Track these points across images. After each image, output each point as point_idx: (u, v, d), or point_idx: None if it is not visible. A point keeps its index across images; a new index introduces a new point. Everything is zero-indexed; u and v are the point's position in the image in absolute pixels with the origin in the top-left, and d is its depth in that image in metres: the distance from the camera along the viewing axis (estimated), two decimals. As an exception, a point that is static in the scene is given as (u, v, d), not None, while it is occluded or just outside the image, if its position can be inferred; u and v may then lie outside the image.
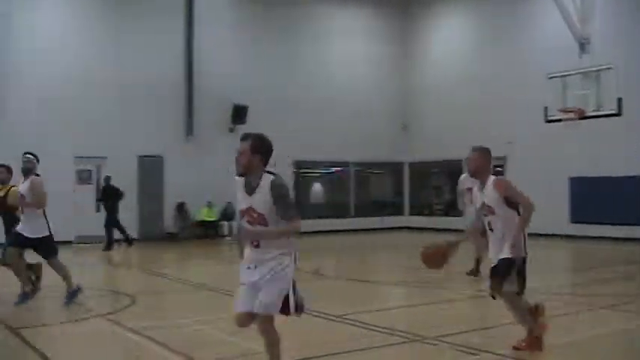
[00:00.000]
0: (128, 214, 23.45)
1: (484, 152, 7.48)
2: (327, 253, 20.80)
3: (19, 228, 10.22)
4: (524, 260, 7.20)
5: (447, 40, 28.33)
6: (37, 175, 10.54)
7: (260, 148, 5.79)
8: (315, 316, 9.13)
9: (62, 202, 22.02)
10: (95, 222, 22.49)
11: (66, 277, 10.51)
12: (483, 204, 7.34)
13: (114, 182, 21.27)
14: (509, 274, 7.12)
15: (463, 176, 13.15)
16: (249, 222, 5.76)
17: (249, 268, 5.74)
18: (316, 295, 11.35)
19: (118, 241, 21.13)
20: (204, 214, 24.83)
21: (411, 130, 29.21)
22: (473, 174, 7.51)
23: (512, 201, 7.18)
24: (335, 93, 27.73)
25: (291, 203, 5.74)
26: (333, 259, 19.58)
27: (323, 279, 14.27)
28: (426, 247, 7.48)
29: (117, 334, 8.70)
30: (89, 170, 23.58)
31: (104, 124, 23.14)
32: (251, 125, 25.16)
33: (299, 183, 27.25)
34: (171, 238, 24.11)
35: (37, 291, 10.76)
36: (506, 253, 7.11)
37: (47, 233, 10.30)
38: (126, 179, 23.27)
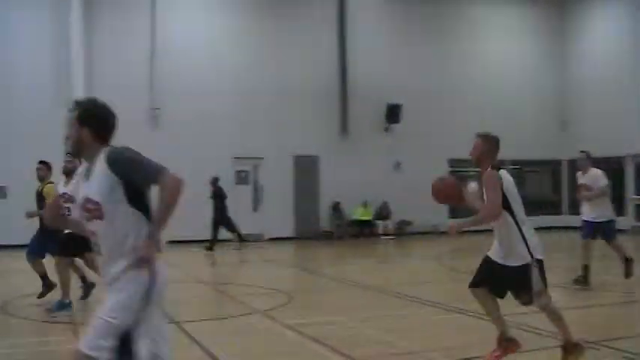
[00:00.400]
0: (284, 213, 24.06)
1: (488, 140, 6.80)
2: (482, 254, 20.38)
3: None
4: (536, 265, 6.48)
5: (605, 36, 27.12)
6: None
7: (90, 118, 4.51)
8: (471, 315, 8.98)
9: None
10: (252, 221, 23.23)
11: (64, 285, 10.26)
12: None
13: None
14: (530, 283, 6.44)
15: (579, 173, 12.48)
16: (86, 218, 4.33)
17: None
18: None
19: (222, 241, 21.01)
20: (360, 214, 24.96)
21: (569, 127, 28.22)
22: (474, 163, 6.84)
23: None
24: (489, 91, 27.23)
25: (149, 160, 4.50)
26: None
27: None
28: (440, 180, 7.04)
29: (274, 330, 8.88)
30: (246, 171, 24.28)
31: (261, 126, 23.78)
32: (405, 124, 25.16)
33: (455, 181, 26.93)
34: (326, 237, 24.41)
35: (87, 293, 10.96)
36: (512, 261, 6.56)
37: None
38: (282, 179, 23.88)
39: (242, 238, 21.25)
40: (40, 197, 10.93)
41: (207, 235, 20.83)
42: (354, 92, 25.08)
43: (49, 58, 22.21)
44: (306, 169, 24.66)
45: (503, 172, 6.62)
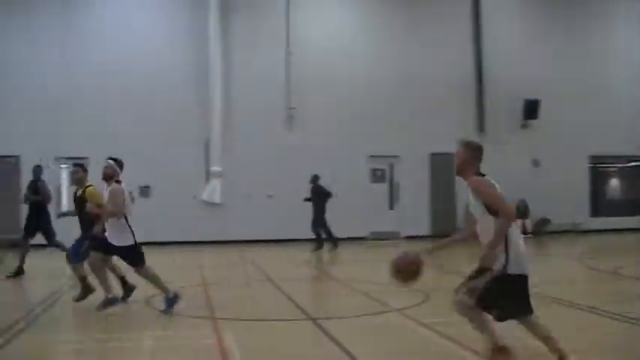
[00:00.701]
0: (420, 211, 24.00)
1: (471, 147, 6.71)
2: (628, 252, 19.66)
3: (107, 234, 9.94)
4: (511, 278, 6.15)
5: None
6: (118, 181, 10.19)
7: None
8: (614, 318, 8.71)
9: (358, 200, 23.10)
10: (388, 219, 23.31)
11: (158, 285, 10.14)
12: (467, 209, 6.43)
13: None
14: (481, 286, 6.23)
15: None
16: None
17: None
18: (616, 297, 10.82)
19: (326, 240, 20.42)
20: (497, 211, 24.46)
21: None
22: (457, 172, 6.69)
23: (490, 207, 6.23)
24: (629, 85, 26.16)
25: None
26: (632, 259, 18.41)
27: (622, 279, 13.53)
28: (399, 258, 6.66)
29: (410, 328, 8.91)
30: (382, 169, 24.34)
31: (397, 124, 23.83)
32: (543, 120, 24.58)
33: (596, 178, 26.11)
34: (462, 235, 24.12)
35: (129, 295, 10.88)
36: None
37: (131, 242, 9.95)
38: (418, 177, 23.83)
39: (335, 241, 20.62)
40: (80, 200, 10.84)
41: (343, 233, 21.01)
42: (490, 89, 24.72)
43: (189, 60, 23.10)
44: (442, 166, 24.49)
45: (489, 178, 6.49)
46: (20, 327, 9.03)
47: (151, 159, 22.22)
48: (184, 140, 22.90)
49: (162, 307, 9.93)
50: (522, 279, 6.23)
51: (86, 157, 22.21)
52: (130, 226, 9.95)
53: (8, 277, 14.10)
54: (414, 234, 23.69)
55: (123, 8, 23.28)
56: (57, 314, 10.52)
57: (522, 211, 24.40)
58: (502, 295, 6.18)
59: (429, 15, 24.62)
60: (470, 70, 24.85)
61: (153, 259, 18.25)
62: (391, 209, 24.20)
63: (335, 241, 20.13)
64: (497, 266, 6.18)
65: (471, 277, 6.48)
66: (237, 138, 23.22)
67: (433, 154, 24.44)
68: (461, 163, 6.68)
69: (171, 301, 9.90)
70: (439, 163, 24.50)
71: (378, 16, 24.62)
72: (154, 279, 10.09)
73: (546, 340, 6.33)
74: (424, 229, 24.08)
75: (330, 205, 21.23)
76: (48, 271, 17.05)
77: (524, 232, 23.87)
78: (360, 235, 23.19)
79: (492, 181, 6.52)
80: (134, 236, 9.97)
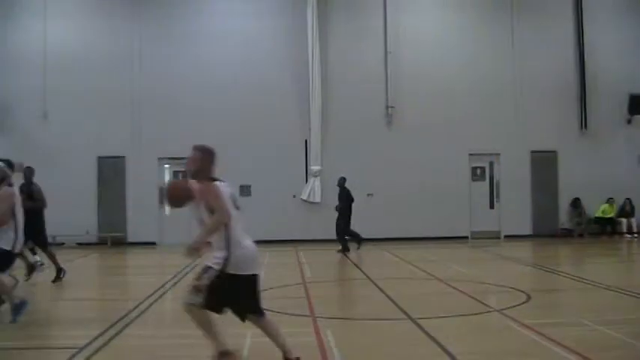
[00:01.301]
0: (521, 209, 23.60)
1: (206, 152, 6.89)
2: None
3: None
4: (232, 277, 6.45)
5: None
6: (11, 184, 9.65)
7: None
8: None
9: (458, 199, 22.93)
10: (489, 218, 23.05)
11: (3, 292, 9.48)
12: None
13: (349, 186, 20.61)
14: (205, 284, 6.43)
15: None
16: None
17: None
18: None
19: (352, 240, 20.35)
20: (603, 211, 23.82)
21: None
22: (191, 175, 6.81)
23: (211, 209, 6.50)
24: None
25: None
26: None
27: None
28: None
29: (511, 329, 8.78)
30: (482, 167, 24.04)
31: (497, 121, 23.50)
32: (650, 115, 23.80)
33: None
34: (565, 234, 23.61)
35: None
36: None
37: (7, 249, 9.34)
38: (519, 175, 23.45)
39: (360, 241, 20.49)
40: None
41: (444, 232, 20.89)
42: (592, 85, 24.05)
43: (288, 60, 23.41)
44: (543, 164, 24.01)
45: (221, 184, 6.70)
46: (127, 321, 9.36)
47: (251, 158, 22.65)
48: (284, 139, 23.20)
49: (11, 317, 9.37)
50: (245, 279, 6.54)
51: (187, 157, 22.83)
52: (16, 232, 9.41)
53: (54, 281, 13.66)
54: (515, 233, 23.31)
55: (224, 10, 23.78)
56: (162, 309, 10.85)
57: (628, 211, 23.67)
58: (225, 294, 6.50)
59: (529, 12, 24.12)
60: (571, 67, 24.20)
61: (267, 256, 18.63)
62: (491, 208, 23.86)
63: (360, 241, 20.35)
64: (217, 265, 6.46)
65: (197, 277, 6.57)
66: (336, 137, 23.35)
67: (534, 152, 23.96)
68: (197, 167, 6.84)
69: (18, 307, 9.39)
70: (541, 160, 24.01)
71: (475, 14, 24.29)
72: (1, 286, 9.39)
73: (275, 338, 6.75)
74: (526, 228, 23.64)
75: (431, 205, 21.23)
76: (154, 267, 17.58)
77: (630, 232, 23.18)
78: (460, 235, 23.00)
79: (224, 187, 6.75)
80: (14, 244, 9.41)
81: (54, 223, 22.08)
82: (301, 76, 23.17)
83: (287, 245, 21.49)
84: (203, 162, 6.87)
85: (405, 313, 9.82)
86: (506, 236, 23.45)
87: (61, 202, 22.23)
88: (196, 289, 6.49)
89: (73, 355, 7.37)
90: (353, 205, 20.22)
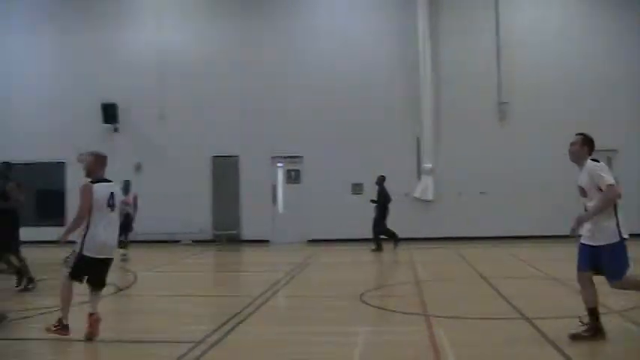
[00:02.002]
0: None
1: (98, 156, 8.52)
2: None
3: None
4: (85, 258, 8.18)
5: None
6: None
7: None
8: None
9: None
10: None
11: None
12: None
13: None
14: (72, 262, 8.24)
15: None
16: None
17: None
18: None
19: (387, 239, 20.27)
20: None
21: None
22: (86, 174, 8.39)
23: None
24: None
25: None
26: None
27: None
28: None
29: (628, 331, 8.52)
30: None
31: (613, 116, 22.72)
32: None
33: None
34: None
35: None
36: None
37: None
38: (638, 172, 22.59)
39: (396, 240, 20.31)
40: None
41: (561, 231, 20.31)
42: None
43: (398, 57, 23.36)
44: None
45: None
46: (242, 317, 9.55)
47: (362, 157, 22.72)
48: (395, 137, 23.14)
49: None
50: (93, 260, 8.19)
51: (301, 156, 23.17)
52: None
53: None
54: (637, 232, 22.38)
55: (335, 9, 23.95)
56: (276, 305, 11.03)
57: None
58: (82, 270, 8.25)
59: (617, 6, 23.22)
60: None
61: (372, 255, 18.70)
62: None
63: (397, 240, 20.16)
64: (76, 248, 8.16)
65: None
66: (448, 134, 23.15)
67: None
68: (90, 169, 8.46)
69: None
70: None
71: (585, 8, 23.56)
72: None
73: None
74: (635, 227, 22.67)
75: (545, 202, 20.72)
76: (267, 264, 17.86)
77: None
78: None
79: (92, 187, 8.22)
80: None
81: (169, 221, 22.99)
82: (411, 72, 23.03)
83: (399, 244, 21.40)
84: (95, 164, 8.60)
85: (520, 312, 9.64)
86: (630, 235, 22.60)
87: (176, 200, 23.04)
88: (66, 263, 8.35)
89: (190, 349, 7.59)
90: (389, 204, 20.28)
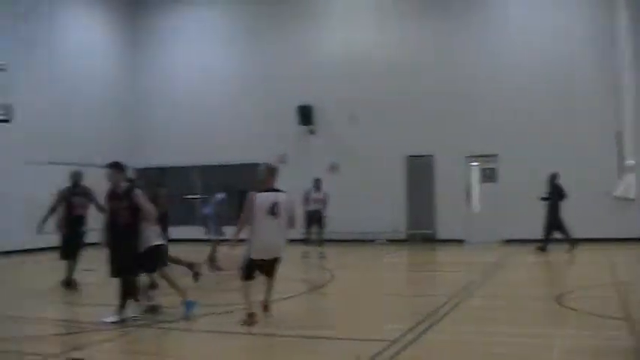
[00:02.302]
0: None
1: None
2: None
3: None
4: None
5: None
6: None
7: None
8: None
9: None
10: None
11: None
12: None
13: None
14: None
15: None
16: None
17: None
18: None
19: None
20: None
21: None
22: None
23: None
24: None
25: None
26: None
27: None
28: None
29: None
30: None
31: None
32: None
33: None
34: None
35: None
36: None
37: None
38: None
39: (573, 242, 19.06)
40: None
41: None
42: None
43: (595, 48, 22.32)
44: None
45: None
46: (438, 317, 9.57)
47: (557, 154, 21.95)
48: (593, 133, 22.16)
49: None
50: (261, 261, 9.24)
51: (495, 155, 22.83)
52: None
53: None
54: None
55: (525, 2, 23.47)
56: (472, 305, 10.95)
57: None
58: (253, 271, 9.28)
59: None
60: None
61: (567, 255, 18.12)
62: None
63: (573, 242, 19.09)
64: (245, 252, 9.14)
65: None
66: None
67: None
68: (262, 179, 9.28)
69: (190, 305, 9.79)
70: None
71: None
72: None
73: None
74: None
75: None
76: (462, 264, 17.77)
77: None
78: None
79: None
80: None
81: (363, 221, 23.36)
82: (609, 64, 21.83)
83: (597, 244, 20.51)
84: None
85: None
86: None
87: (370, 200, 23.38)
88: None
89: (385, 348, 7.65)
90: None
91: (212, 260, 15.55)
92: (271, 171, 9.33)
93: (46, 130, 22.85)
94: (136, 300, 9.82)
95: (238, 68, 26.27)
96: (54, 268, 13.71)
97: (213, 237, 15.87)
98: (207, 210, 16.31)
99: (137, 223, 9.43)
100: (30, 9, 20.68)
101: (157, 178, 12.91)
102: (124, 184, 9.55)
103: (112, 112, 26.49)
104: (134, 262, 9.51)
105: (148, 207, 9.39)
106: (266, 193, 9.10)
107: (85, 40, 25.70)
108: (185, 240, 23.51)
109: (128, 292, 9.47)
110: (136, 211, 9.37)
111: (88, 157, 21.51)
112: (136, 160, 25.35)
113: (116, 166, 9.56)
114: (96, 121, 25.43)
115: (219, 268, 15.33)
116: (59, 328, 9.76)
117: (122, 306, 9.39)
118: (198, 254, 15.25)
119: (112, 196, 9.52)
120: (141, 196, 9.42)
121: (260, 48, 25.96)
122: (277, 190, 9.23)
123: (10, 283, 15.49)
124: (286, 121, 24.71)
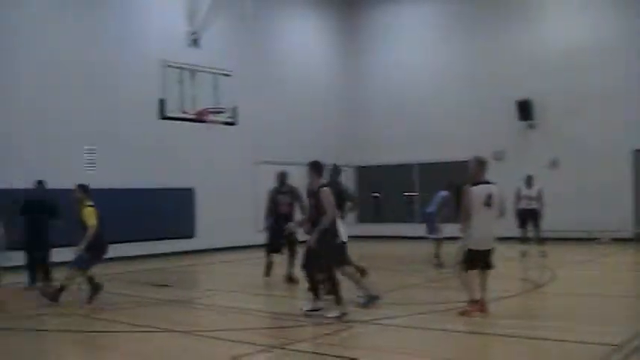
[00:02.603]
0: None
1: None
2: None
3: None
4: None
5: None
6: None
7: None
8: None
9: None
10: None
11: None
12: None
13: None
14: None
15: None
16: None
17: None
18: None
19: None
20: None
21: None
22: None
23: None
24: None
25: None
26: None
27: None
28: None
29: None
30: None
31: None
32: None
33: None
34: None
35: None
36: None
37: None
38: None
39: None
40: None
41: None
42: None
43: None
44: None
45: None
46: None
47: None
48: None
49: None
50: (478, 252, 9.55)
51: None
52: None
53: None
54: None
55: None
56: None
57: None
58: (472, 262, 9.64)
59: None
60: None
61: None
62: None
63: None
64: (464, 244, 9.59)
65: None
66: None
67: None
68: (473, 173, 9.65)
69: (373, 298, 10.54)
70: None
71: None
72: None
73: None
74: None
75: None
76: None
77: None
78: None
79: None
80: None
81: (586, 218, 22.54)
82: None
83: None
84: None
85: None
86: None
87: (592, 196, 22.55)
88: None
89: (608, 354, 7.34)
90: None
91: (437, 257, 15.82)
92: (481, 164, 9.63)
93: (269, 132, 24.13)
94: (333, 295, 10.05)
95: (455, 65, 26.21)
96: (277, 263, 14.38)
97: (434, 235, 16.11)
98: (430, 208, 16.56)
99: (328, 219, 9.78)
100: (249, 13, 21.80)
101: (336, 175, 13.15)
102: (320, 182, 10.01)
103: (331, 111, 27.38)
104: (325, 259, 9.85)
105: (327, 206, 9.73)
106: (480, 185, 9.46)
107: (301, 42, 26.75)
108: (404, 237, 24.07)
109: (337, 286, 9.85)
110: (321, 208, 9.80)
111: (310, 157, 22.23)
112: (357, 159, 26.21)
113: (312, 166, 10.11)
114: (316, 121, 26.40)
115: (441, 266, 15.56)
116: (279, 320, 10.30)
117: (338, 301, 9.77)
118: (415, 251, 15.54)
119: (308, 194, 10.21)
120: (326, 195, 9.75)
121: (477, 44, 25.75)
122: (489, 183, 9.60)
123: (240, 276, 16.53)
124: (505, 117, 24.39)
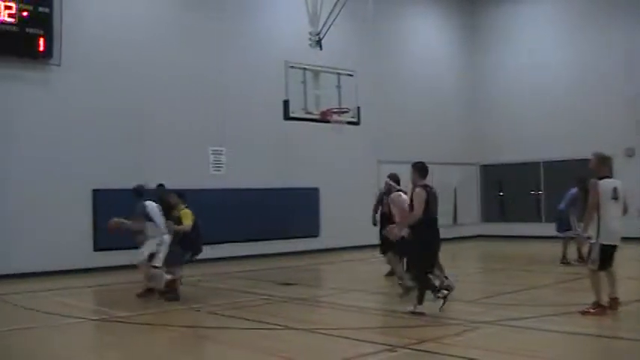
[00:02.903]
0: None
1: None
2: None
3: None
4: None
5: None
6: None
7: None
8: None
9: None
10: None
11: None
12: None
13: None
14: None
15: None
16: None
17: None
18: None
19: None
20: None
21: None
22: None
23: None
24: None
25: None
26: None
27: None
28: None
29: None
30: None
31: None
32: None
33: None
34: None
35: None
36: None
37: None
38: None
39: None
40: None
41: None
42: None
43: None
44: None
45: None
46: None
47: None
48: None
49: None
50: (610, 247, 9.19)
51: None
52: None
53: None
54: None
55: None
56: None
57: None
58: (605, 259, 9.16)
59: None
60: None
61: None
62: None
63: None
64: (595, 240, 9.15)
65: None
66: None
67: None
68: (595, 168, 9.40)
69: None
70: None
71: None
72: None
73: None
74: None
75: None
76: None
77: None
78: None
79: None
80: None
81: None
82: None
83: None
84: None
85: None
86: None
87: None
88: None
89: None
90: None
91: (564, 257, 15.73)
92: (603, 160, 9.45)
93: (392, 131, 23.85)
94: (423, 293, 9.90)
95: (577, 62, 25.25)
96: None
97: (565, 234, 16.02)
98: (561, 206, 16.43)
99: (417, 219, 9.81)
100: (371, 13, 21.58)
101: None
102: (419, 183, 9.97)
103: (453, 110, 26.85)
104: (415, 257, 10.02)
105: (415, 205, 9.73)
106: (606, 179, 9.28)
107: (423, 41, 25.84)
108: (529, 237, 23.67)
109: (425, 283, 9.81)
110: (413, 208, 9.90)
111: (435, 157, 22.10)
112: (480, 158, 25.96)
113: (413, 166, 10.12)
114: (438, 119, 25.83)
115: (569, 263, 15.47)
116: (401, 320, 9.67)
117: (419, 299, 9.70)
118: (545, 251, 15.38)
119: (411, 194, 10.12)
120: (417, 195, 9.71)
121: (600, 39, 24.68)
122: (612, 177, 9.41)
123: (363, 274, 16.35)
124: (630, 113, 23.75)
